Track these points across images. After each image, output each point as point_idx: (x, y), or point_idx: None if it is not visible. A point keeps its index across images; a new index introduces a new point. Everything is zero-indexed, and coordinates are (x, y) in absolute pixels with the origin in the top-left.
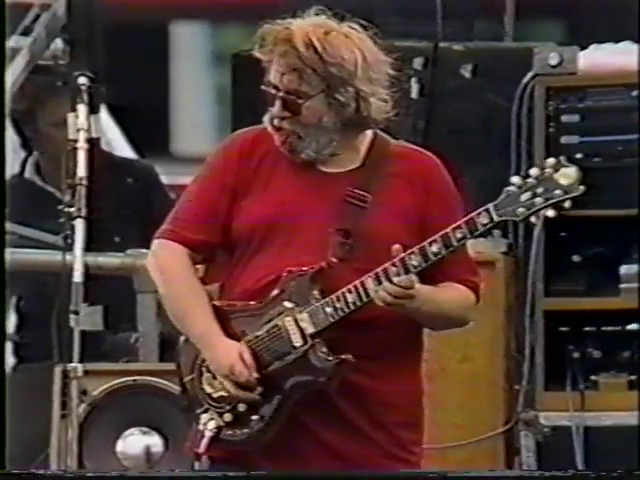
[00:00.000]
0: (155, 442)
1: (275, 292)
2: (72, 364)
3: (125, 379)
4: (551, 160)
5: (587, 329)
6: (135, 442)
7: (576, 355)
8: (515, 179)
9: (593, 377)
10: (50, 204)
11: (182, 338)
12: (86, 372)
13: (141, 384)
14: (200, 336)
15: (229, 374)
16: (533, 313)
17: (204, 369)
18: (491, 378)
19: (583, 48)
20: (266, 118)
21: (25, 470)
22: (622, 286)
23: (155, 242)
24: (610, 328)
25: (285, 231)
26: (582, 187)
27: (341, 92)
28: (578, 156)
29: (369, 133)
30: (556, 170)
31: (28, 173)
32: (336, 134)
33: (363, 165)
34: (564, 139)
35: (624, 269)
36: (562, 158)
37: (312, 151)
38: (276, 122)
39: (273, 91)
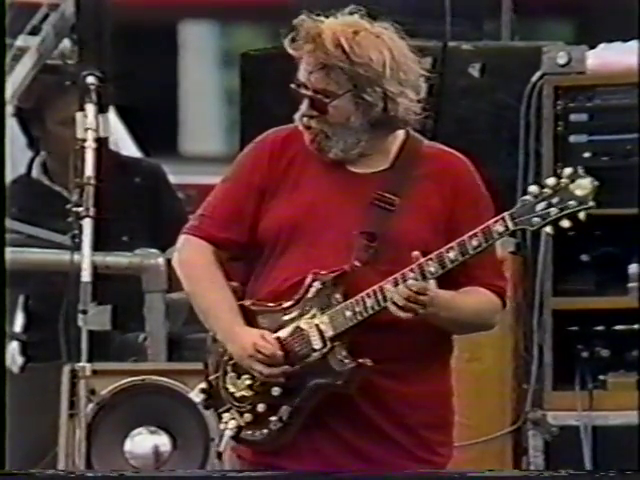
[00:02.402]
0: (163, 441)
1: (299, 294)
2: (80, 364)
3: (133, 379)
4: (568, 170)
5: (595, 328)
6: (143, 442)
7: (584, 354)
8: (532, 188)
9: (601, 376)
10: (58, 204)
11: (210, 337)
12: (94, 372)
13: (149, 384)
14: (223, 330)
15: (254, 353)
16: (541, 312)
17: (229, 368)
18: (499, 377)
19: (592, 47)
20: (297, 116)
21: (30, 470)
22: (630, 285)
23: (181, 238)
24: (619, 327)
25: (312, 232)
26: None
27: (368, 92)
28: (586, 155)
29: (400, 134)
30: (572, 181)
31: (35, 173)
32: (364, 134)
33: (393, 166)
34: (573, 138)
35: (632, 268)
36: (579, 168)
37: (340, 150)
38: (304, 121)
39: (301, 90)
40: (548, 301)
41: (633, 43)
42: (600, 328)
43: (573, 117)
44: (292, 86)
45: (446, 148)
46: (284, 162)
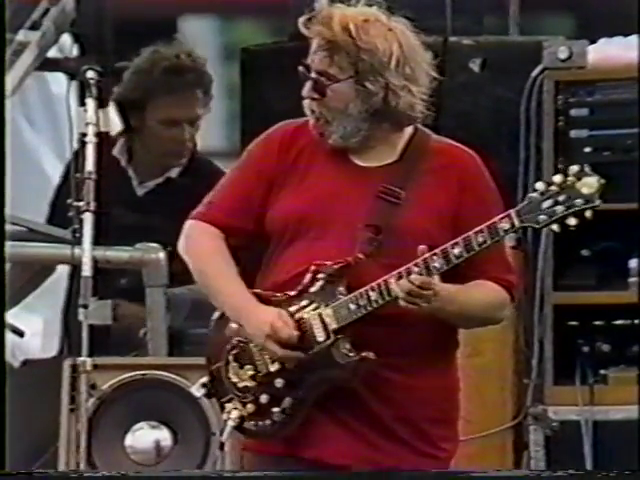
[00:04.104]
0: (164, 436)
1: (302, 285)
2: (81, 358)
3: (134, 373)
4: (574, 168)
5: (596, 323)
6: (144, 436)
7: (585, 349)
8: (539, 185)
9: (602, 371)
10: (123, 188)
11: (213, 326)
12: (95, 366)
13: (150, 378)
14: (237, 308)
15: (271, 333)
16: (542, 307)
17: (231, 358)
18: (500, 372)
19: (592, 42)
20: (305, 104)
21: (30, 467)
22: (631, 280)
23: (187, 224)
24: (619, 322)
25: (317, 224)
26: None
27: (370, 80)
28: (587, 150)
29: (409, 128)
30: (579, 179)
31: (116, 150)
32: (363, 123)
33: (400, 160)
34: (573, 133)
35: (633, 263)
36: (586, 166)
37: (339, 137)
38: (307, 103)
39: (304, 71)
40: (549, 296)
41: (634, 38)
42: (601, 323)
43: (574, 112)
44: (299, 68)
45: (454, 143)
46: (293, 153)
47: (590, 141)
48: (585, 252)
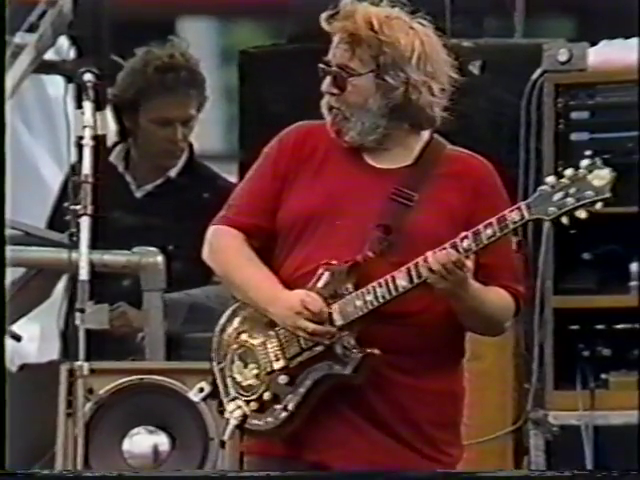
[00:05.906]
0: (162, 441)
1: (310, 283)
2: (78, 362)
3: (132, 378)
4: (586, 161)
5: (597, 327)
6: (142, 441)
7: (586, 353)
8: (550, 178)
9: (603, 376)
10: (122, 193)
11: (219, 327)
12: (92, 371)
13: (148, 383)
14: (266, 298)
15: (301, 310)
16: (542, 311)
17: (236, 357)
18: (500, 377)
19: (593, 44)
20: (323, 102)
21: (28, 469)
22: (632, 284)
23: (210, 229)
24: (620, 326)
25: (327, 223)
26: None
27: (391, 75)
28: (588, 153)
29: (425, 134)
30: (590, 171)
31: (113, 157)
32: (381, 119)
33: (415, 164)
34: (574, 136)
35: (634, 267)
36: (597, 160)
37: (357, 133)
38: (325, 99)
39: (324, 67)
40: (549, 299)
41: (634, 40)
42: (601, 327)
43: (574, 115)
44: (320, 66)
45: (471, 152)
46: (306, 151)
47: (590, 144)
48: (586, 256)
